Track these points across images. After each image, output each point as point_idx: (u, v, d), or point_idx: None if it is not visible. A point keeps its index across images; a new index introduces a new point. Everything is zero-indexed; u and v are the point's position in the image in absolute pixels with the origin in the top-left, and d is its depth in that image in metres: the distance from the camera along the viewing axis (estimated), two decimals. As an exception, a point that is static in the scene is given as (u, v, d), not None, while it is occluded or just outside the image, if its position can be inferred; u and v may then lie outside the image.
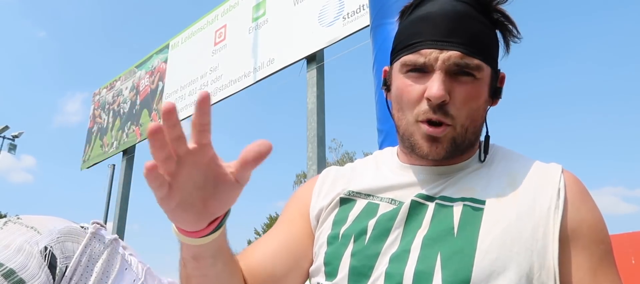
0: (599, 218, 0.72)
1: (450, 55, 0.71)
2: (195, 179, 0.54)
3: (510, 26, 0.79)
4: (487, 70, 0.74)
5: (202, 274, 0.67)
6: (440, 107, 0.71)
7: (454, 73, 0.71)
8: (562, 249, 0.68)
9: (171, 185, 0.53)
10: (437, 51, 0.71)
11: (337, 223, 0.79)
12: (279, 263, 0.80)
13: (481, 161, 0.79)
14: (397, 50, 0.78)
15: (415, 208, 0.74)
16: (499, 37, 0.80)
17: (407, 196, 0.76)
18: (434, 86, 0.70)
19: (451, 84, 0.71)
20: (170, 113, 0.49)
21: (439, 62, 0.71)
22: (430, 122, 0.72)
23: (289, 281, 0.80)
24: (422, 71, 0.73)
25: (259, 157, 0.52)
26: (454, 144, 0.73)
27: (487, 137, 0.80)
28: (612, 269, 0.70)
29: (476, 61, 0.72)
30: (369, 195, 0.80)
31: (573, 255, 0.68)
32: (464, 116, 0.72)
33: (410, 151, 0.76)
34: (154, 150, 0.50)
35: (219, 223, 0.61)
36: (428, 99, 0.71)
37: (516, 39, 0.80)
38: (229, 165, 0.55)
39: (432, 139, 0.72)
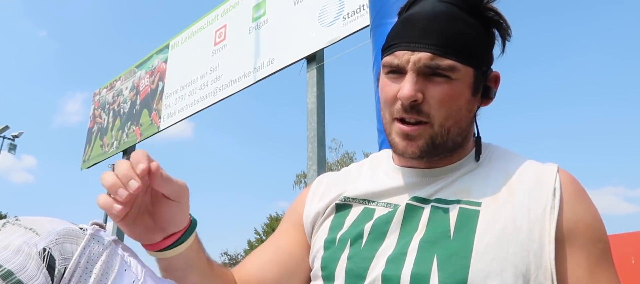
0: (596, 217, 0.71)
1: (420, 57, 0.71)
2: (141, 200, 0.64)
3: (501, 22, 0.77)
4: (464, 70, 0.73)
5: None
6: (413, 107, 0.72)
7: (427, 74, 0.72)
8: (559, 249, 0.68)
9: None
10: (409, 53, 0.72)
11: (334, 228, 0.79)
12: (268, 273, 0.82)
13: (477, 161, 0.78)
14: (382, 52, 0.79)
15: (411, 211, 0.74)
16: (497, 36, 0.80)
17: (403, 199, 0.76)
18: (405, 87, 0.71)
19: (425, 84, 0.72)
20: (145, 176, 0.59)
21: (410, 64, 0.72)
22: (403, 121, 0.74)
23: None
24: (398, 72, 0.74)
25: (144, 171, 0.59)
26: (432, 144, 0.74)
27: (478, 137, 0.80)
28: (610, 268, 0.70)
29: (448, 62, 0.71)
30: (365, 200, 0.80)
31: (570, 255, 0.68)
32: (443, 116, 0.73)
33: (395, 150, 0.78)
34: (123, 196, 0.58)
35: (177, 238, 0.66)
36: (400, 99, 0.73)
37: (507, 36, 0.79)
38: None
39: (406, 137, 0.74)
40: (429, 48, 0.71)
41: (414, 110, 0.72)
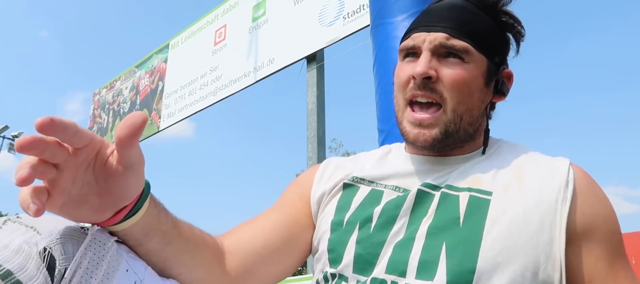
0: (612, 210, 0.72)
1: (436, 36, 0.75)
2: (82, 179, 0.51)
3: (517, 25, 0.80)
4: (477, 56, 0.75)
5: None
6: (425, 85, 0.73)
7: (442, 55, 0.75)
8: (575, 243, 0.68)
9: (51, 192, 0.50)
10: (425, 34, 0.76)
11: (340, 208, 0.78)
12: (274, 237, 0.77)
13: (482, 154, 0.78)
14: (400, 45, 0.82)
15: (422, 197, 0.73)
16: (509, 39, 0.82)
17: (413, 185, 0.76)
18: (419, 64, 0.73)
19: (439, 64, 0.74)
20: (49, 126, 0.44)
21: (426, 43, 0.75)
22: (416, 103, 0.75)
23: (282, 257, 0.78)
24: (414, 55, 0.77)
25: (133, 131, 0.48)
26: (445, 132, 0.74)
27: (487, 130, 0.80)
28: (626, 259, 0.71)
29: (462, 43, 0.74)
30: (372, 182, 0.80)
31: (590, 248, 0.68)
32: (456, 99, 0.73)
33: (406, 139, 0.78)
34: (33, 163, 0.46)
35: (129, 210, 0.56)
36: (414, 78, 0.74)
37: (521, 37, 0.82)
38: (113, 153, 0.52)
39: (419, 125, 0.74)
40: (445, 29, 0.75)
41: (427, 88, 0.73)
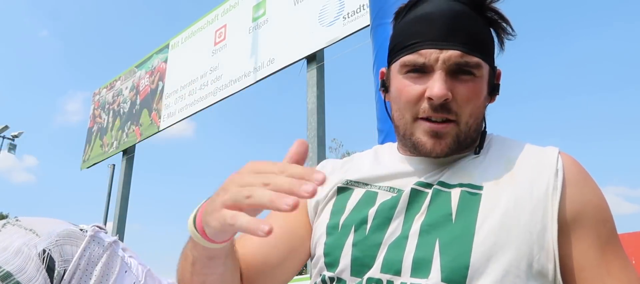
0: (602, 198, 0.72)
1: (451, 55, 0.71)
2: None
3: (504, 24, 0.80)
4: (485, 68, 0.75)
5: (212, 272, 0.66)
6: (442, 106, 0.71)
7: (454, 72, 0.72)
8: (566, 231, 0.68)
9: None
10: (437, 51, 0.72)
11: (336, 212, 0.78)
12: (274, 251, 0.79)
13: (476, 154, 0.79)
14: (396, 52, 0.78)
15: (415, 196, 0.74)
16: (494, 35, 0.82)
17: (406, 184, 0.76)
18: (436, 85, 0.71)
19: (452, 83, 0.72)
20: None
21: (440, 62, 0.72)
22: (430, 120, 0.73)
23: (282, 270, 0.80)
24: (422, 71, 0.73)
25: (303, 157, 0.52)
26: (458, 142, 0.74)
27: (484, 132, 0.81)
28: (619, 246, 0.70)
29: (476, 59, 0.73)
30: (366, 184, 0.80)
31: (580, 236, 0.68)
32: (468, 113, 0.73)
33: (413, 150, 0.77)
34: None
35: None
36: (430, 99, 0.71)
37: (510, 37, 0.81)
38: None
39: (435, 136, 0.73)
40: (459, 46, 0.72)
41: (444, 109, 0.72)
